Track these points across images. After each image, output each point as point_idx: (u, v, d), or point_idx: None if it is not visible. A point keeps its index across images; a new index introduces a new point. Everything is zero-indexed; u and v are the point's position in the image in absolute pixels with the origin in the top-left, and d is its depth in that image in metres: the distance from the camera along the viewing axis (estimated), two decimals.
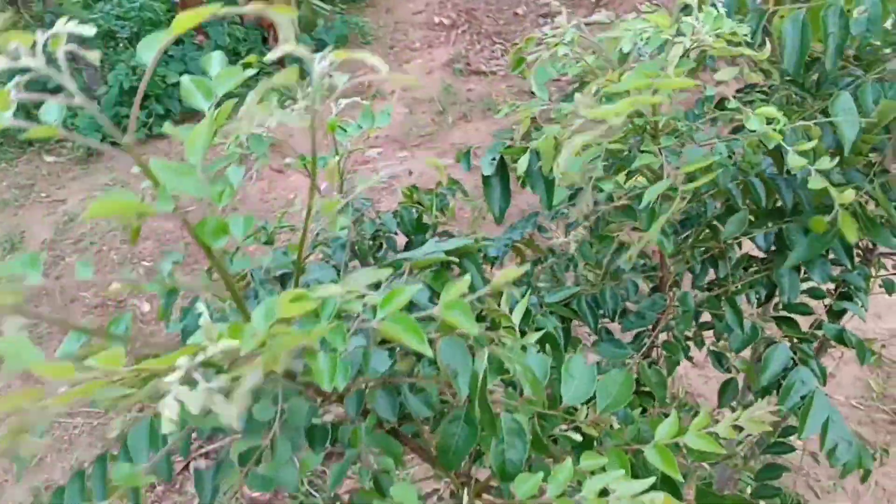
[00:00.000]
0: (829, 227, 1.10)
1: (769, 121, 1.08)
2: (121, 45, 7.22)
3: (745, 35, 1.16)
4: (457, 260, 1.03)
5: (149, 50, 0.68)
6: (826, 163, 1.03)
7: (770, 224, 1.34)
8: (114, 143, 0.77)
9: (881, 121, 1.23)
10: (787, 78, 1.40)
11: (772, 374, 1.29)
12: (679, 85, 0.98)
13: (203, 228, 0.72)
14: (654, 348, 1.37)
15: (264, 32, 7.80)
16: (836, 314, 1.48)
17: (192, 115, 7.27)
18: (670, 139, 1.17)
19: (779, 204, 1.38)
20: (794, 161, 1.02)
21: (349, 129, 1.52)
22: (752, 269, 1.43)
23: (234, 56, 7.78)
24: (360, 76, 0.84)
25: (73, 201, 6.54)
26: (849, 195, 1.04)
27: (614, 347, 1.32)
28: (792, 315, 1.41)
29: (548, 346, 1.08)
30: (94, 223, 6.35)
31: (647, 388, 1.31)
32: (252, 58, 0.90)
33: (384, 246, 1.60)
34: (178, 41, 7.65)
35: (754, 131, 1.11)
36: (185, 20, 0.64)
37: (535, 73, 1.33)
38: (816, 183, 1.00)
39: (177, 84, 7.29)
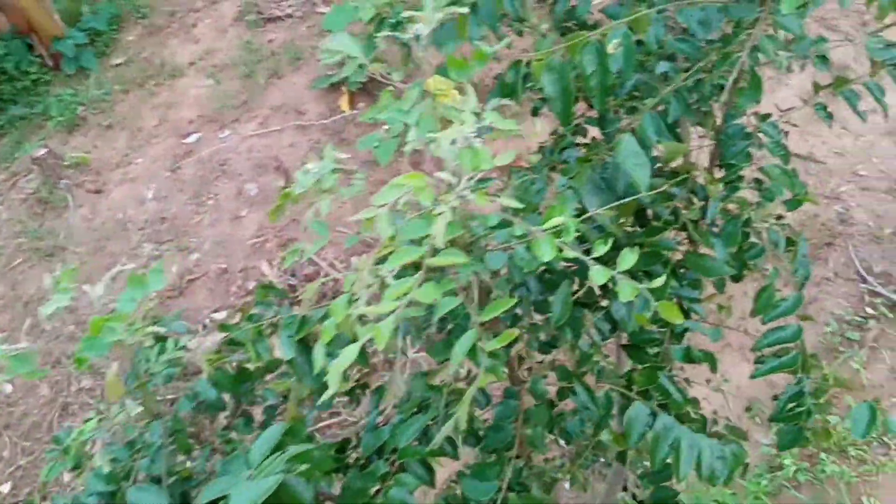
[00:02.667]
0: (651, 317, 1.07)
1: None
2: None
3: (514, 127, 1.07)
4: None
5: None
6: (629, 261, 0.98)
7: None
8: None
9: (668, 161, 1.19)
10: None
11: (637, 435, 1.29)
12: (450, 262, 0.89)
13: None
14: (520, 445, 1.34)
15: (27, 40, 6.97)
16: (678, 335, 1.49)
17: None
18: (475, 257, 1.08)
19: None
20: (596, 277, 0.96)
21: (122, 303, 1.32)
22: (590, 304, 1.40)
23: (3, 75, 6.95)
24: None
25: None
26: (659, 281, 0.99)
27: (479, 482, 1.27)
28: (638, 344, 1.41)
29: None
30: None
31: None
32: None
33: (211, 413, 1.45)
34: None
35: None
36: None
37: (313, 223, 1.19)
38: (626, 293, 0.95)
39: None
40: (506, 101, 1.14)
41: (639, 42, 1.27)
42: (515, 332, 1.03)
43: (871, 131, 4.76)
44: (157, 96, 6.84)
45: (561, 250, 0.96)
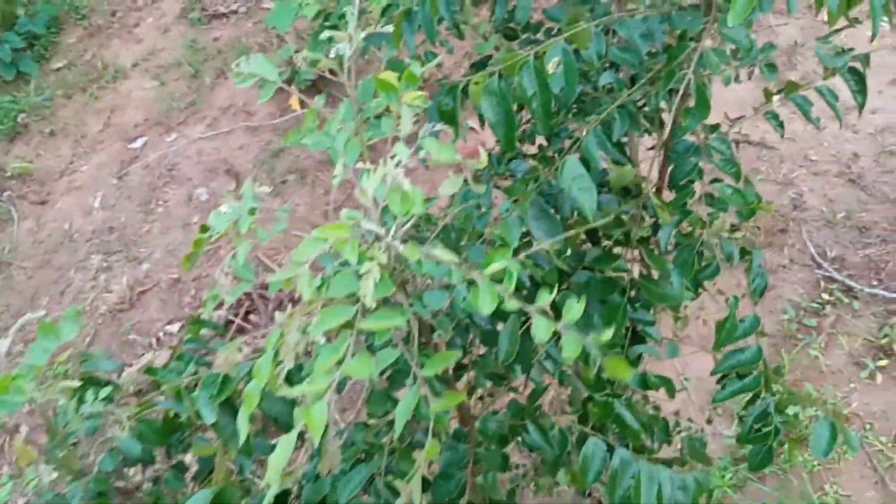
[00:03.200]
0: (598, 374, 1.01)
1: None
2: None
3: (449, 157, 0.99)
4: None
5: None
6: (575, 312, 0.91)
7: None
8: None
9: (616, 186, 1.12)
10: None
11: (595, 473, 1.23)
12: (384, 326, 0.81)
13: None
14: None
15: None
16: (633, 361, 1.43)
17: None
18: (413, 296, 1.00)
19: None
20: (539, 333, 0.88)
21: (32, 356, 1.21)
22: None
23: None
24: None
25: None
26: (608, 334, 0.93)
27: None
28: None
29: None
30: None
31: None
32: None
33: None
34: None
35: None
36: None
37: (208, 302, 1.10)
38: (571, 350, 0.88)
39: None
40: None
41: (578, 52, 1.20)
42: (462, 394, 0.96)
43: (821, 115, 4.79)
44: (101, 100, 6.62)
45: (503, 300, 0.88)
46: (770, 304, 4.11)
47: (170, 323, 4.91)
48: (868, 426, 3.59)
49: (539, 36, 1.92)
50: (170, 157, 5.97)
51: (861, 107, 1.45)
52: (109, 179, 5.91)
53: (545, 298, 0.91)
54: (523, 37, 1.87)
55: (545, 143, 1.67)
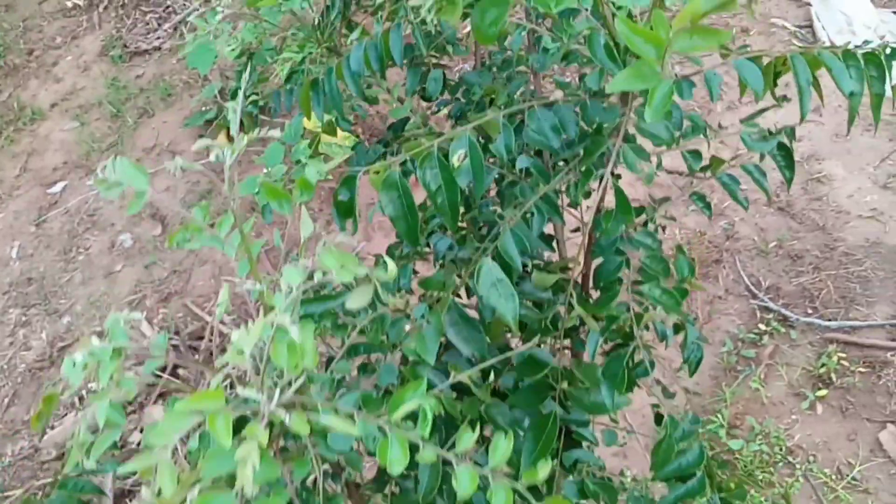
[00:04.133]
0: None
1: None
2: None
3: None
4: None
5: None
6: (502, 453, 0.80)
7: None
8: None
9: (540, 288, 1.03)
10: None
11: None
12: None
13: None
14: None
15: None
16: (569, 468, 1.33)
17: None
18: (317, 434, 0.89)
19: None
20: (462, 487, 0.77)
21: None
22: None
23: None
24: None
25: None
26: (543, 472, 0.82)
27: None
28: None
29: None
30: None
31: None
32: None
33: None
34: None
35: None
36: None
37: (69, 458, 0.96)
38: (501, 501, 0.78)
39: None
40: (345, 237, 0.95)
41: (489, 139, 1.11)
42: None
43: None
44: (18, 144, 6.32)
45: (418, 447, 0.77)
46: (708, 336, 4.10)
47: (93, 380, 4.65)
48: (811, 459, 3.59)
49: (458, 96, 1.83)
50: (91, 202, 5.71)
51: (789, 182, 1.40)
52: (27, 227, 5.63)
53: (468, 440, 0.80)
54: (441, 98, 1.78)
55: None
